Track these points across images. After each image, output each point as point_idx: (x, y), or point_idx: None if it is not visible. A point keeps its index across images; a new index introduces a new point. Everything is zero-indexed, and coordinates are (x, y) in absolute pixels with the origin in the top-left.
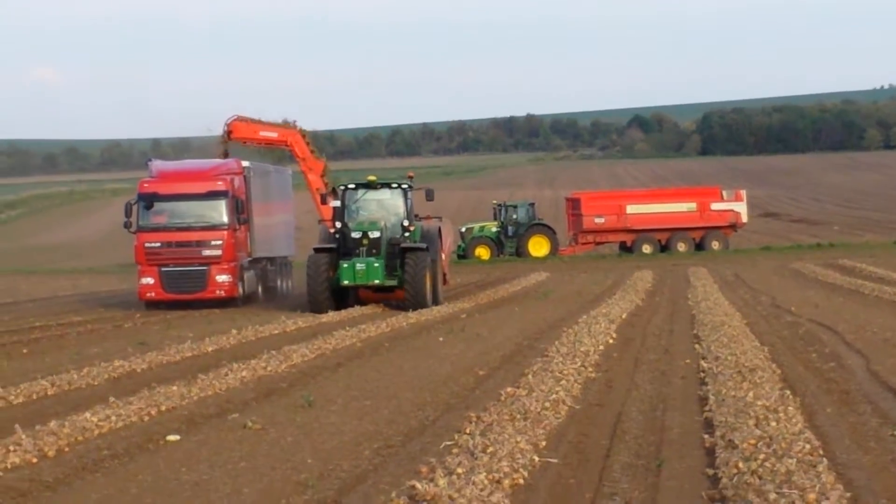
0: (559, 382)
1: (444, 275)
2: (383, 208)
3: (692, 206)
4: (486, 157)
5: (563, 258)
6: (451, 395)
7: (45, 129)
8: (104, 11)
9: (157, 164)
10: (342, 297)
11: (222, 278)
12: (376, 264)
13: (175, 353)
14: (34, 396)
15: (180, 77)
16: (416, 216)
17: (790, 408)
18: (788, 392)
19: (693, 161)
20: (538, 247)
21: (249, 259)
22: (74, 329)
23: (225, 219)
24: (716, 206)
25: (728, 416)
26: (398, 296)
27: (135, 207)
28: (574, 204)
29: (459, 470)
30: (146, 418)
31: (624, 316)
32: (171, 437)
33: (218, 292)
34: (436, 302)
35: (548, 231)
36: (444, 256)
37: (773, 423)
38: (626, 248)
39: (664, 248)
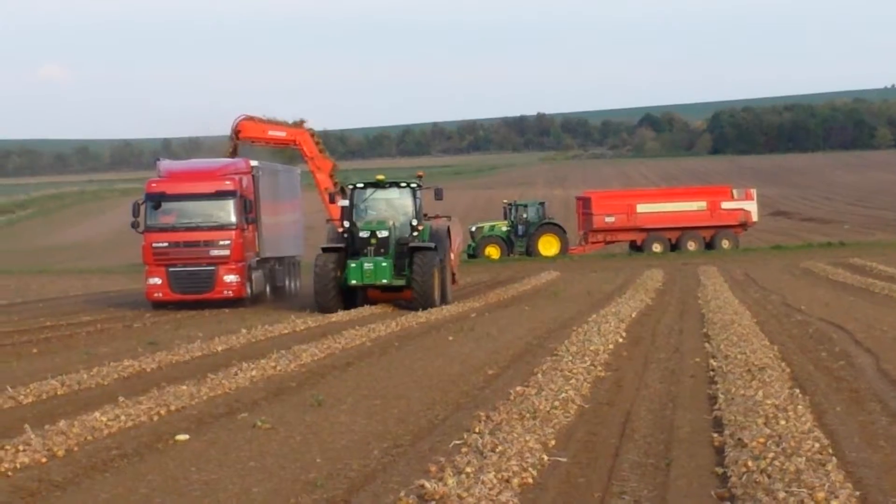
0: (568, 381)
1: (453, 274)
2: (392, 208)
3: (702, 205)
4: (497, 157)
5: (573, 257)
6: (461, 394)
7: (56, 129)
8: (115, 10)
9: (165, 164)
10: (350, 297)
11: (230, 278)
12: (384, 264)
13: (185, 353)
14: (44, 396)
15: (190, 76)
16: (425, 215)
17: (799, 406)
18: (798, 391)
19: (703, 160)
20: (548, 246)
21: (257, 259)
22: (84, 329)
23: (233, 218)
24: (726, 205)
25: (737, 414)
26: (406, 296)
27: (142, 207)
28: (584, 203)
29: (468, 469)
30: (156, 418)
31: (634, 315)
32: (181, 437)
33: (226, 292)
34: (444, 301)
35: (558, 230)
36: (452, 256)
37: (783, 422)
38: (636, 248)
39: (674, 247)
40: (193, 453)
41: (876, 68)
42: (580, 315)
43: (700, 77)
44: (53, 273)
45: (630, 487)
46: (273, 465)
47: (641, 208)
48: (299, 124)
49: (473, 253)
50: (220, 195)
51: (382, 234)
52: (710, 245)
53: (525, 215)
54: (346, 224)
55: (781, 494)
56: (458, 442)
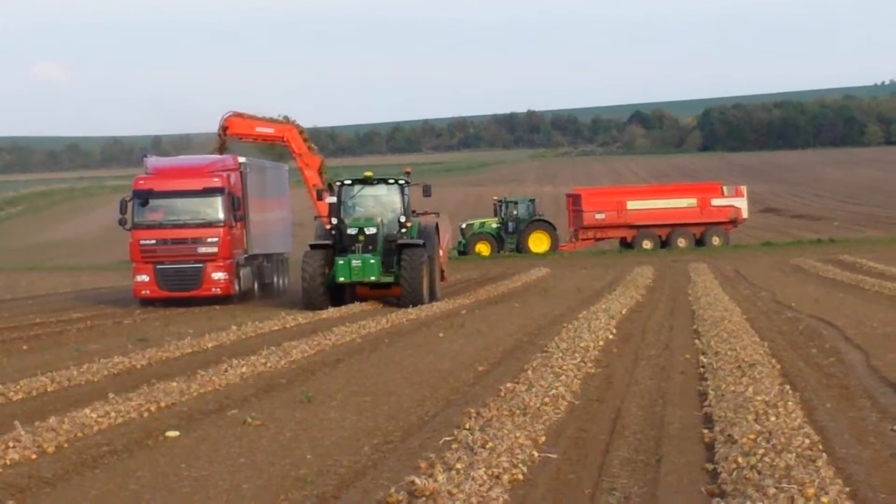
0: (559, 378)
1: (442, 271)
2: (380, 204)
3: (693, 202)
4: (487, 154)
5: (563, 254)
6: (451, 390)
7: (47, 126)
8: (108, 8)
9: (153, 161)
10: (338, 295)
11: (218, 276)
12: (372, 261)
13: (175, 350)
14: (34, 393)
15: (181, 74)
16: (414, 212)
17: (790, 403)
18: (788, 387)
19: (693, 157)
20: (538, 243)
21: (245, 256)
22: (74, 325)
23: (221, 215)
24: (716, 201)
25: (727, 411)
26: (395, 293)
27: (130, 204)
28: (575, 200)
29: (458, 465)
30: (146, 414)
31: (624, 311)
32: (171, 434)
33: (214, 290)
34: (433, 298)
35: (548, 227)
36: (441, 253)
37: (773, 418)
38: (626, 244)
39: (664, 243)
40: (183, 450)
41: (866, 65)
42: (570, 312)
43: (690, 74)
44: (44, 270)
45: (620, 484)
46: (263, 461)
47: (631, 205)
48: (287, 120)
49: (464, 250)
50: (208, 192)
51: (370, 230)
52: (700, 242)
53: (515, 212)
54: (334, 221)
55: (772, 490)
56: (448, 438)
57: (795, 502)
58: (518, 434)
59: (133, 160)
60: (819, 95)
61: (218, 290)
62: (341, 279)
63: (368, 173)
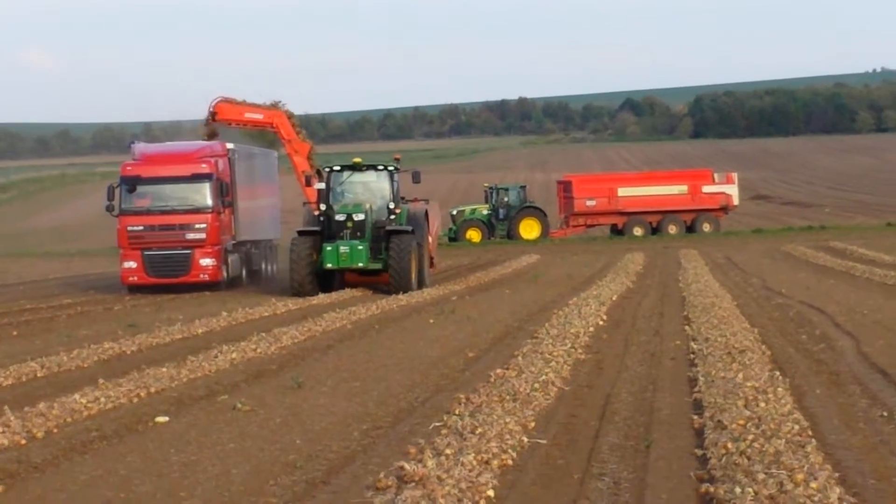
0: (549, 364)
1: (432, 258)
2: (369, 191)
3: (683, 188)
4: (478, 141)
5: (554, 241)
6: (441, 376)
7: (37, 112)
8: None
9: (140, 147)
10: (327, 281)
11: (206, 262)
12: (360, 247)
13: (165, 336)
14: (23, 378)
15: (172, 60)
16: (403, 199)
17: (779, 389)
18: (778, 373)
19: (685, 144)
20: (529, 229)
21: (234, 242)
22: (64, 311)
23: (209, 202)
24: (707, 188)
25: (717, 397)
26: (383, 279)
27: (117, 190)
28: (565, 187)
29: (448, 451)
30: (135, 400)
31: (614, 298)
32: (161, 419)
33: (202, 276)
34: (421, 285)
35: (539, 214)
36: (430, 239)
37: (763, 404)
38: (617, 231)
39: (655, 230)
40: (173, 435)
41: (857, 53)
42: (561, 298)
43: (681, 61)
44: (34, 256)
45: (609, 469)
46: (253, 447)
47: (623, 192)
48: (276, 106)
49: (454, 236)
50: (196, 178)
51: (359, 217)
52: (690, 228)
53: (506, 199)
54: (323, 207)
55: (761, 476)
56: (437, 424)
57: (785, 488)
58: (508, 420)
59: (124, 147)
60: (810, 83)
61: (206, 276)
62: (329, 266)
63: (357, 159)
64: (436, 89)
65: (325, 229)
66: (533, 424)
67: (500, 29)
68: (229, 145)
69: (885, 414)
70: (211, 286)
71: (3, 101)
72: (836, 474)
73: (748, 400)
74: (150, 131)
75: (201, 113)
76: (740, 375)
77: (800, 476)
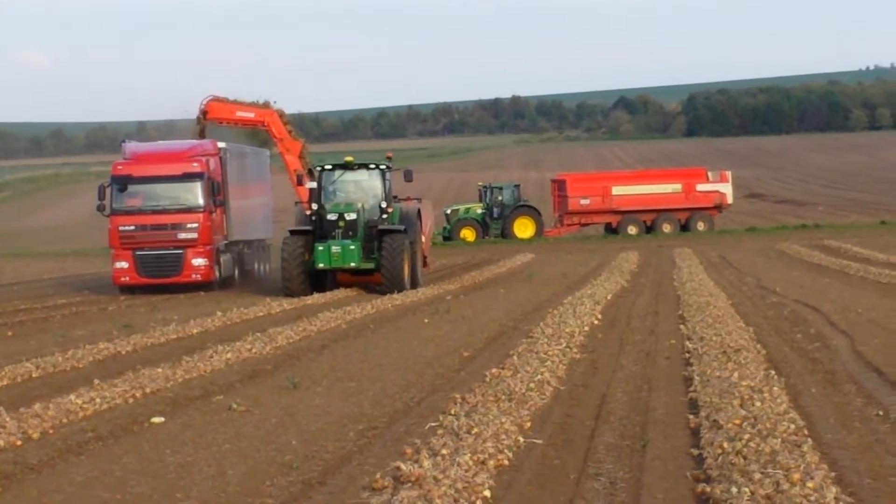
0: (544, 363)
1: (425, 258)
2: (361, 189)
3: (677, 187)
4: (472, 139)
5: (548, 240)
6: (436, 376)
7: (31, 112)
8: None
9: (131, 146)
10: (319, 281)
11: (198, 262)
12: (352, 247)
13: (160, 336)
14: (18, 379)
15: (166, 59)
16: (395, 197)
17: (775, 388)
18: (773, 372)
19: (678, 142)
20: (523, 228)
21: (226, 242)
22: (59, 311)
23: (200, 201)
24: (701, 187)
25: (713, 396)
26: (376, 279)
27: (108, 190)
28: (559, 185)
29: (444, 451)
30: (131, 400)
31: (609, 297)
32: (156, 420)
33: (194, 276)
34: (414, 285)
35: (533, 213)
36: (423, 239)
37: (758, 404)
38: (611, 230)
39: (649, 229)
40: (169, 436)
41: (850, 51)
42: (555, 297)
43: (675, 59)
44: (28, 256)
45: (605, 469)
46: (248, 447)
47: (616, 191)
48: (268, 105)
49: (448, 235)
50: (187, 177)
51: (350, 216)
52: (685, 227)
53: (500, 198)
54: (314, 206)
55: (757, 475)
56: (433, 424)
57: (781, 487)
58: (503, 420)
59: (118, 146)
60: (804, 81)
61: (198, 276)
62: (321, 265)
63: (349, 158)
64: (429, 88)
65: (316, 229)
66: (529, 424)
67: (493, 27)
68: (221, 144)
69: (881, 413)
70: (203, 286)
71: None
72: (833, 474)
73: (744, 399)
74: (144, 130)
75: (194, 112)
76: (736, 375)
77: (796, 476)
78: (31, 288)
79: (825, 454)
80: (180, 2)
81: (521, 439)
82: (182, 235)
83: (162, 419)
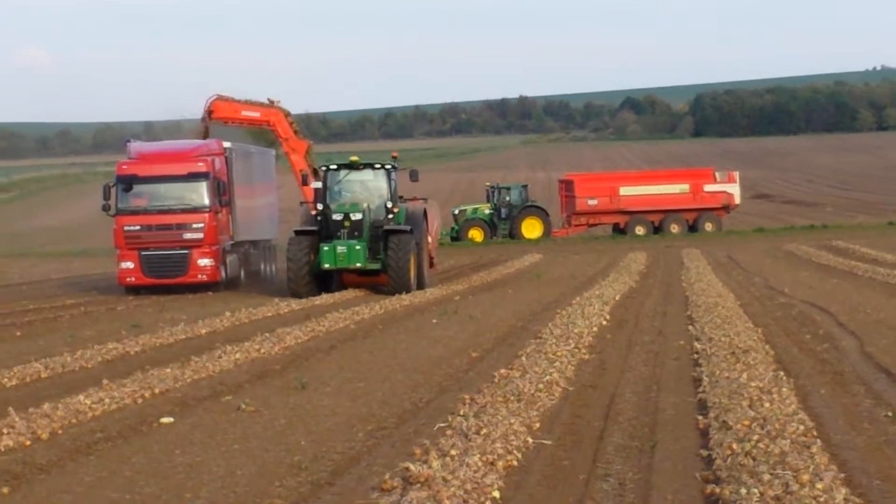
0: (553, 364)
1: (431, 258)
2: (366, 189)
3: (685, 187)
4: (479, 140)
5: (556, 240)
6: (445, 376)
7: (38, 112)
8: None
9: (136, 146)
10: (325, 282)
11: (204, 262)
12: (358, 247)
13: (168, 336)
14: (27, 379)
15: (173, 59)
16: (401, 197)
17: (784, 389)
18: (782, 373)
19: (685, 143)
20: (531, 229)
21: (232, 242)
22: (68, 311)
23: (206, 201)
24: (709, 187)
25: (722, 397)
26: (382, 280)
27: (113, 190)
28: (567, 186)
29: (453, 452)
30: (140, 401)
31: (617, 297)
32: (165, 420)
33: (200, 276)
34: (421, 286)
35: (541, 213)
36: (430, 239)
37: (767, 405)
38: (619, 230)
39: (657, 229)
40: (177, 436)
41: (857, 51)
42: (564, 298)
43: (682, 60)
44: (36, 256)
45: (615, 470)
46: (257, 447)
47: (624, 191)
48: (273, 104)
49: (456, 236)
50: (193, 177)
51: (356, 216)
52: (693, 228)
53: (508, 198)
54: (320, 206)
55: (766, 477)
56: (442, 424)
57: (790, 488)
58: (512, 420)
59: (125, 146)
60: (811, 81)
61: (204, 276)
62: (326, 266)
63: (354, 158)
64: (436, 88)
65: (322, 229)
66: (538, 425)
67: (500, 27)
68: (226, 144)
69: (890, 414)
70: (209, 287)
71: (3, 101)
72: (842, 475)
73: (753, 400)
74: (150, 130)
75: (199, 111)
76: (744, 375)
77: (805, 476)
78: (38, 288)
79: (834, 455)
80: (187, 1)
81: (530, 440)
82: (188, 235)
83: (171, 419)
